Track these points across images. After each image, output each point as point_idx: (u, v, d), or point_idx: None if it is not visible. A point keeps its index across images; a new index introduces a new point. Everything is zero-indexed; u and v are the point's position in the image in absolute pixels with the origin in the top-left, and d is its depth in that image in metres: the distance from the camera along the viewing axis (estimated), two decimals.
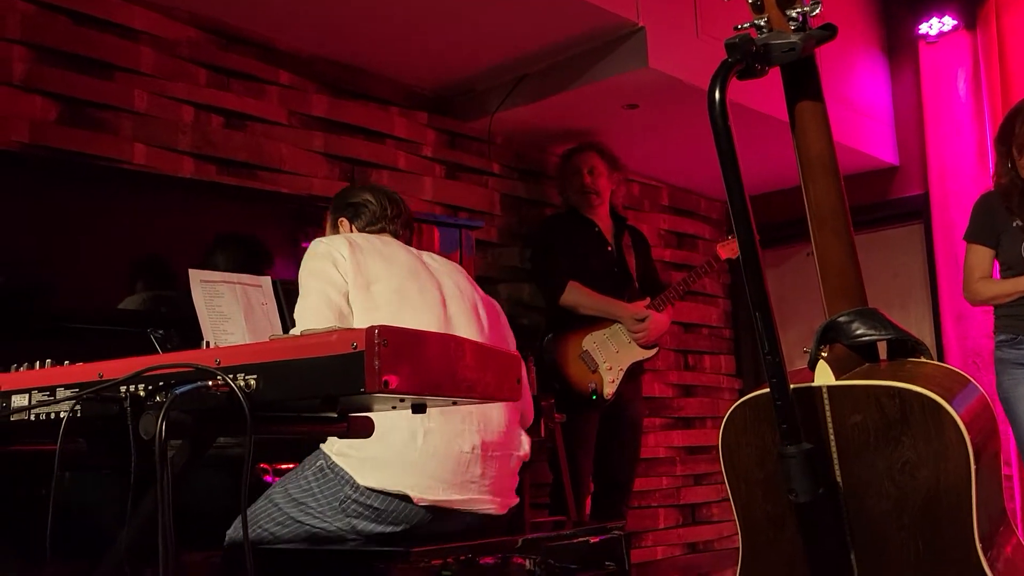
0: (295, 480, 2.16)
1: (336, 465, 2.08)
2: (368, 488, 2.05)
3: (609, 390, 3.85)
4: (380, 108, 4.01)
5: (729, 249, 4.22)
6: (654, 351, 4.00)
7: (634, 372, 3.97)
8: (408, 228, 2.50)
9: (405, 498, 2.05)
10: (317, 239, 2.25)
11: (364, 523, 2.06)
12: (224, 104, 3.49)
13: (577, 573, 2.16)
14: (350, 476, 2.06)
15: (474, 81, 4.13)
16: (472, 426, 2.15)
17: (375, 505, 2.05)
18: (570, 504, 3.66)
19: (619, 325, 3.92)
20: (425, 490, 2.06)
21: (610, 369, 3.87)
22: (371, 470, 2.05)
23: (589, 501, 4.03)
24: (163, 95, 3.33)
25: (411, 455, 2.05)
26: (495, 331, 2.38)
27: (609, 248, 4.11)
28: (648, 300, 3.99)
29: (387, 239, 2.39)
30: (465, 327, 2.23)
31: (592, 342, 3.90)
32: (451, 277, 2.35)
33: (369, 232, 2.42)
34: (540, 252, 4.18)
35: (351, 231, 2.44)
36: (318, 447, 2.17)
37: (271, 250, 3.05)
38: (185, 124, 3.37)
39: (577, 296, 3.92)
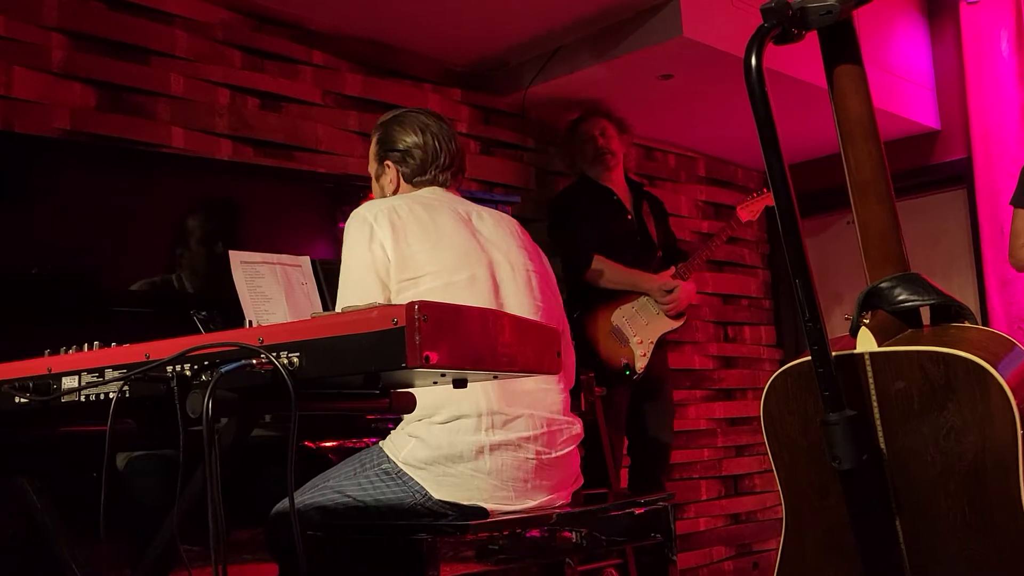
0: (353, 478, 2.11)
1: (406, 474, 2.05)
2: (442, 500, 2.04)
3: (641, 364, 3.83)
4: (414, 85, 4.01)
5: (749, 211, 4.16)
6: (682, 321, 3.96)
7: (661, 343, 3.94)
8: (460, 172, 2.39)
9: (481, 510, 2.05)
10: (359, 216, 2.15)
11: (435, 520, 2.05)
12: (259, 86, 3.51)
13: (623, 544, 2.16)
14: (425, 489, 2.03)
15: (507, 55, 4.12)
16: (536, 430, 2.10)
17: (449, 512, 2.05)
18: (611, 476, 3.67)
19: (646, 297, 3.89)
20: (500, 502, 2.06)
21: (640, 343, 3.85)
22: (445, 486, 2.03)
23: (624, 475, 4.02)
24: (199, 78, 3.35)
25: (482, 470, 2.03)
26: (548, 303, 2.29)
27: (629, 216, 4.04)
28: (673, 269, 3.95)
29: (434, 195, 2.29)
30: (516, 309, 2.16)
31: (621, 316, 3.87)
32: (502, 249, 2.25)
33: (418, 182, 2.33)
34: (559, 227, 4.08)
35: (397, 178, 2.36)
36: (377, 447, 2.13)
37: (310, 230, 3.07)
38: (221, 107, 3.40)
39: (603, 270, 3.88)
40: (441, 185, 2.34)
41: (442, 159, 2.33)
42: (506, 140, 4.33)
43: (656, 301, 3.87)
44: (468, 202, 2.36)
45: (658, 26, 3.70)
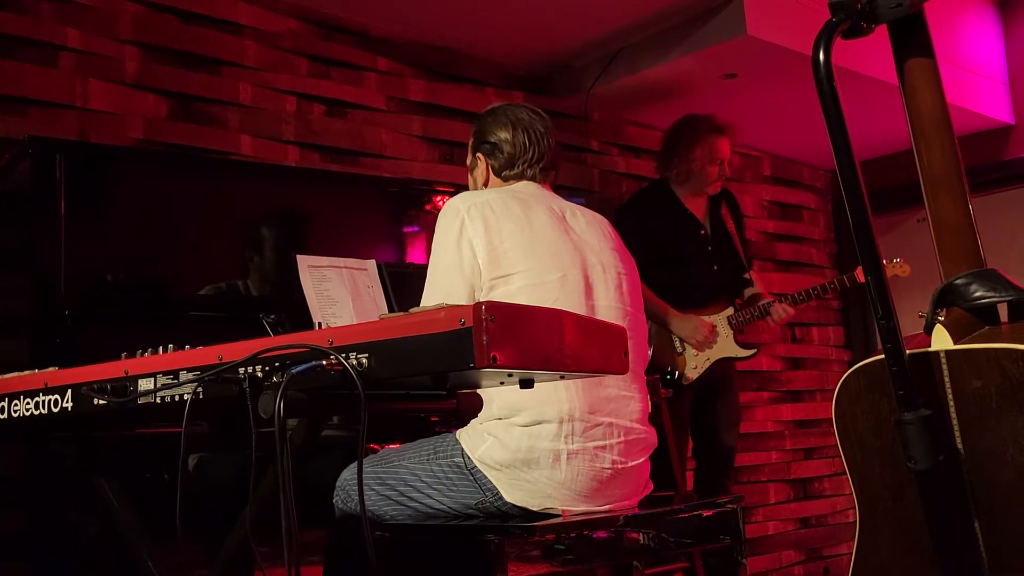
0: (425, 463, 2.10)
1: (480, 472, 2.03)
2: (514, 504, 2.02)
3: (689, 375, 3.74)
4: (476, 89, 4.03)
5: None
6: (751, 352, 3.84)
7: (727, 367, 3.83)
8: (551, 168, 2.35)
9: (551, 515, 2.03)
10: (453, 208, 2.11)
11: (498, 521, 2.05)
12: (325, 93, 3.56)
13: (691, 547, 2.14)
14: (496, 490, 2.02)
15: (570, 57, 4.12)
16: (613, 439, 2.08)
17: (517, 515, 2.03)
18: (676, 478, 3.63)
19: (726, 314, 3.81)
20: (570, 507, 2.04)
21: (695, 355, 3.76)
22: (518, 490, 2.02)
23: (689, 477, 3.96)
24: (266, 87, 3.41)
25: (557, 477, 2.01)
26: (635, 308, 2.25)
27: (703, 232, 3.87)
28: (732, 311, 3.81)
29: (528, 191, 2.26)
30: (605, 311, 2.13)
31: None
32: (595, 250, 2.21)
33: (506, 176, 2.32)
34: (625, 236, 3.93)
35: (487, 171, 2.35)
36: (452, 437, 2.11)
37: (375, 233, 3.10)
38: (288, 114, 3.45)
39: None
40: (531, 180, 2.32)
41: (531, 153, 2.31)
42: (569, 142, 4.32)
43: (681, 339, 3.74)
44: (561, 199, 2.33)
45: (721, 25, 3.67)
